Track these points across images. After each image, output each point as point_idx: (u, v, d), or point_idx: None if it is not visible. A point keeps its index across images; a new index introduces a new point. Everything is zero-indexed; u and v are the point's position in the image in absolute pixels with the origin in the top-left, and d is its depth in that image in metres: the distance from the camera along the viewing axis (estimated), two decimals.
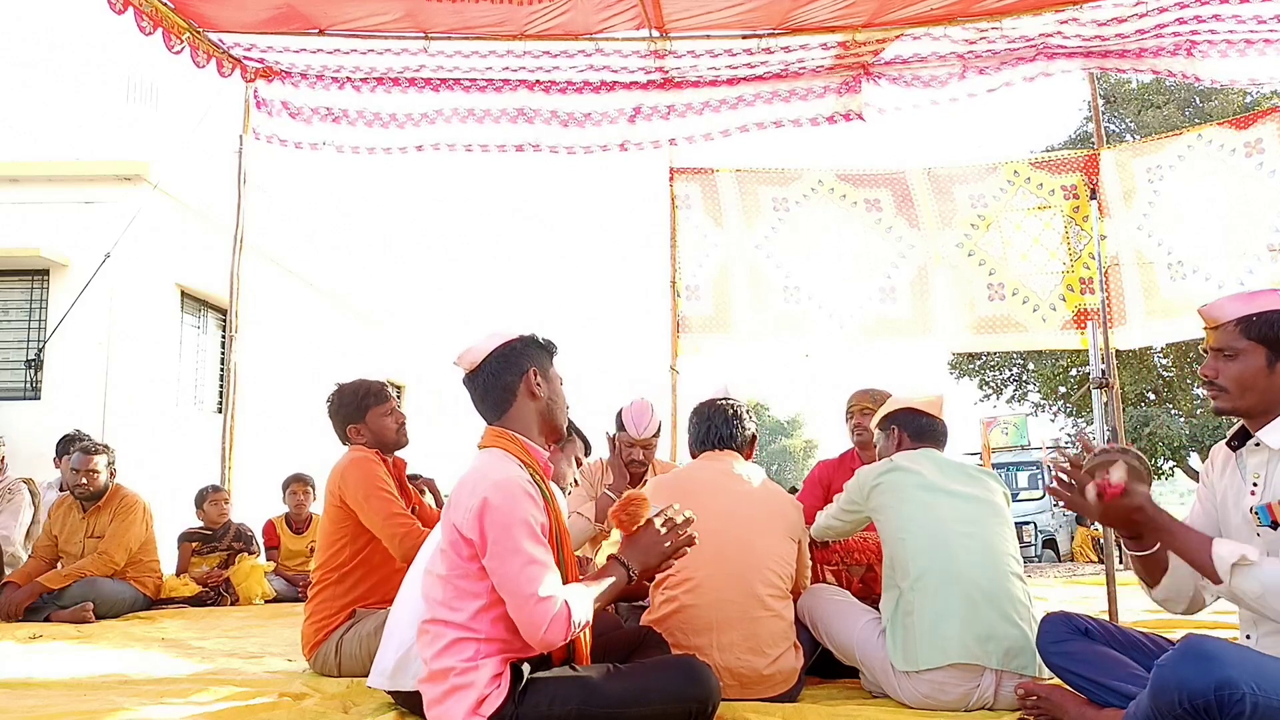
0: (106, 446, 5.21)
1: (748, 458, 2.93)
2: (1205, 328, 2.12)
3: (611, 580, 2.12)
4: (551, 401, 2.26)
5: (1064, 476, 2.04)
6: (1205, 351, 2.12)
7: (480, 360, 2.21)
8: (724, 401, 2.97)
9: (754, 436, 2.98)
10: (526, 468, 2.12)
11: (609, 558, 2.20)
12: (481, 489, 2.01)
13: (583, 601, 2.02)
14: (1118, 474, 1.92)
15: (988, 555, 2.64)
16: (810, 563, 2.85)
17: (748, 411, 2.99)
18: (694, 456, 2.98)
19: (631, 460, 3.73)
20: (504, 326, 2.30)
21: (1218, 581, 1.87)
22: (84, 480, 5.03)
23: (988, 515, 2.75)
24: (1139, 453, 2.23)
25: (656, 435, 3.82)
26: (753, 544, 2.65)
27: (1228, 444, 2.15)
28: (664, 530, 2.18)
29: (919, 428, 2.98)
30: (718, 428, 2.93)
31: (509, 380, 2.21)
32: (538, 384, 2.23)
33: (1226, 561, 1.84)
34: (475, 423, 2.30)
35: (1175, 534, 1.95)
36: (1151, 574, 2.16)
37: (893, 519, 2.76)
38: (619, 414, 3.86)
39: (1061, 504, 2.09)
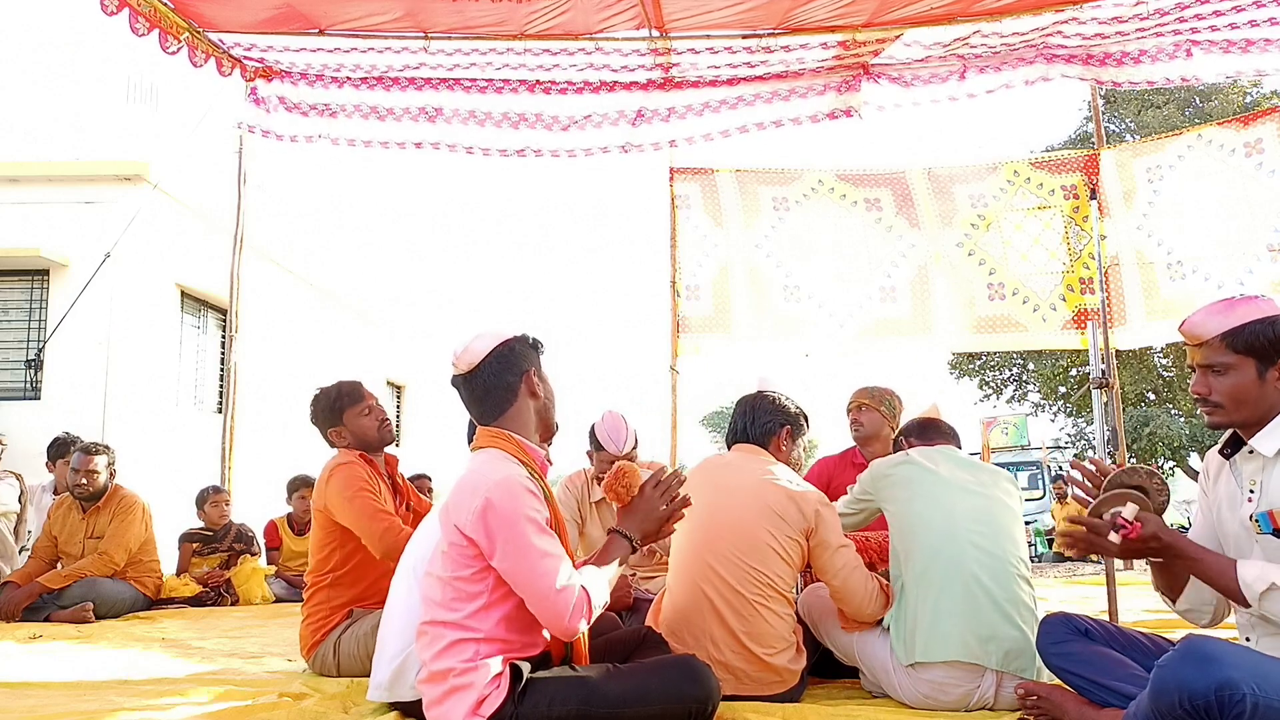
0: (106, 447, 5.20)
1: (776, 450, 2.85)
2: (1188, 344, 2.08)
3: (616, 552, 2.14)
4: (548, 401, 2.28)
5: (1075, 525, 1.98)
6: (1191, 368, 2.09)
7: (479, 361, 2.20)
8: (749, 395, 2.94)
9: (782, 427, 2.86)
10: (524, 466, 2.13)
11: (609, 531, 2.20)
12: (483, 489, 2.01)
13: (598, 583, 2.04)
14: (1129, 511, 1.89)
15: (995, 556, 2.64)
16: (842, 549, 2.69)
17: (774, 402, 2.89)
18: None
19: None
20: (494, 327, 2.29)
21: (1245, 605, 1.86)
22: (84, 480, 5.03)
23: (1000, 515, 2.74)
24: (1151, 470, 2.16)
25: (636, 446, 3.79)
26: (740, 540, 2.62)
27: (1220, 452, 2.14)
28: (659, 495, 2.18)
29: (922, 427, 3.02)
30: (735, 421, 2.93)
31: (510, 380, 2.20)
32: (537, 383, 2.24)
33: (1255, 588, 1.84)
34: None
35: (1196, 559, 1.92)
36: (1172, 587, 2.15)
37: (903, 511, 2.75)
38: (592, 433, 3.82)
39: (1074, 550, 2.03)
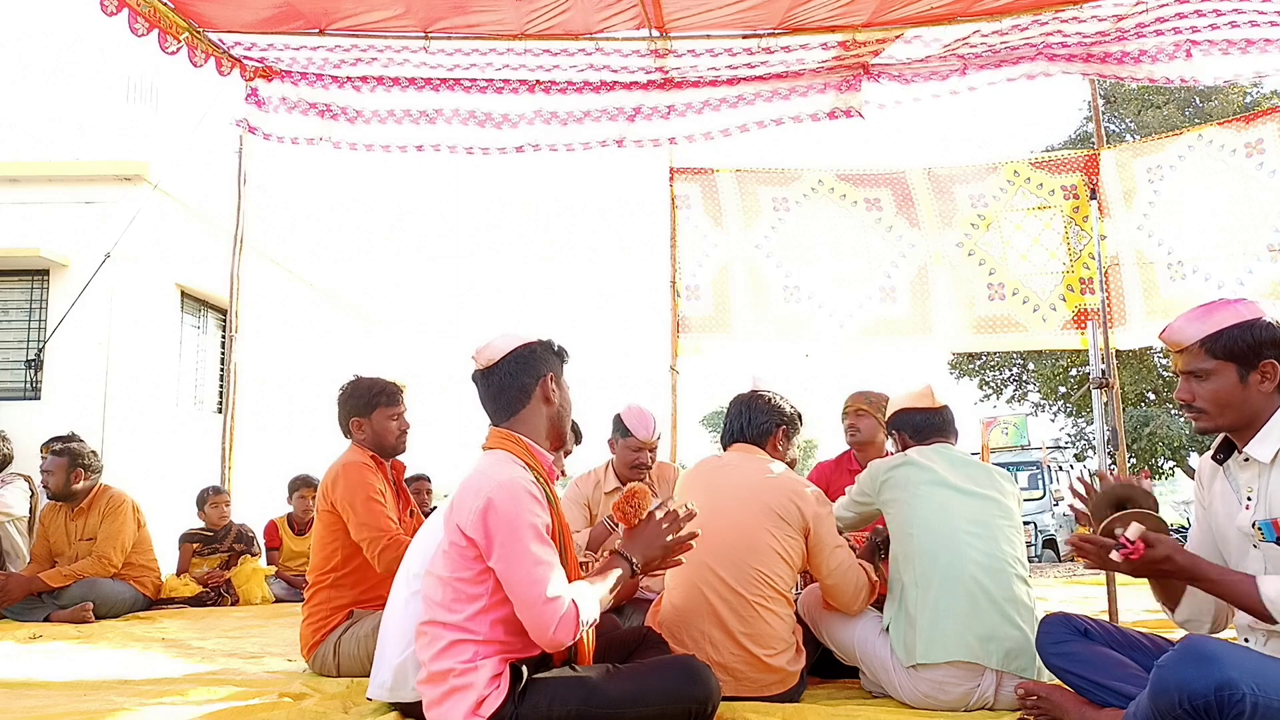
0: (68, 449, 5.03)
1: (772, 450, 2.84)
2: (1170, 351, 2.09)
3: (616, 575, 2.12)
4: (563, 408, 2.27)
5: (1083, 543, 1.99)
6: (1176, 375, 2.09)
7: (498, 358, 2.20)
8: (743, 395, 2.93)
9: (778, 427, 2.85)
10: (530, 470, 2.13)
11: (611, 552, 2.20)
12: (486, 490, 2.01)
13: (590, 600, 2.02)
14: (1133, 531, 1.90)
15: (994, 556, 2.64)
16: (837, 549, 2.68)
17: (768, 402, 2.87)
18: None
19: (637, 464, 3.73)
20: (521, 329, 2.29)
21: (1271, 621, 1.84)
22: (46, 484, 5.02)
23: (997, 516, 2.74)
24: (1145, 490, 2.19)
25: (659, 437, 3.82)
26: (740, 541, 2.62)
27: (1213, 458, 2.13)
28: (665, 524, 2.18)
29: (916, 425, 3.00)
30: (730, 422, 2.93)
31: (525, 382, 2.21)
32: (553, 389, 2.24)
33: (1279, 604, 1.82)
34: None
35: (1213, 579, 1.91)
36: (1170, 597, 2.15)
37: (902, 513, 2.75)
38: (618, 420, 3.83)
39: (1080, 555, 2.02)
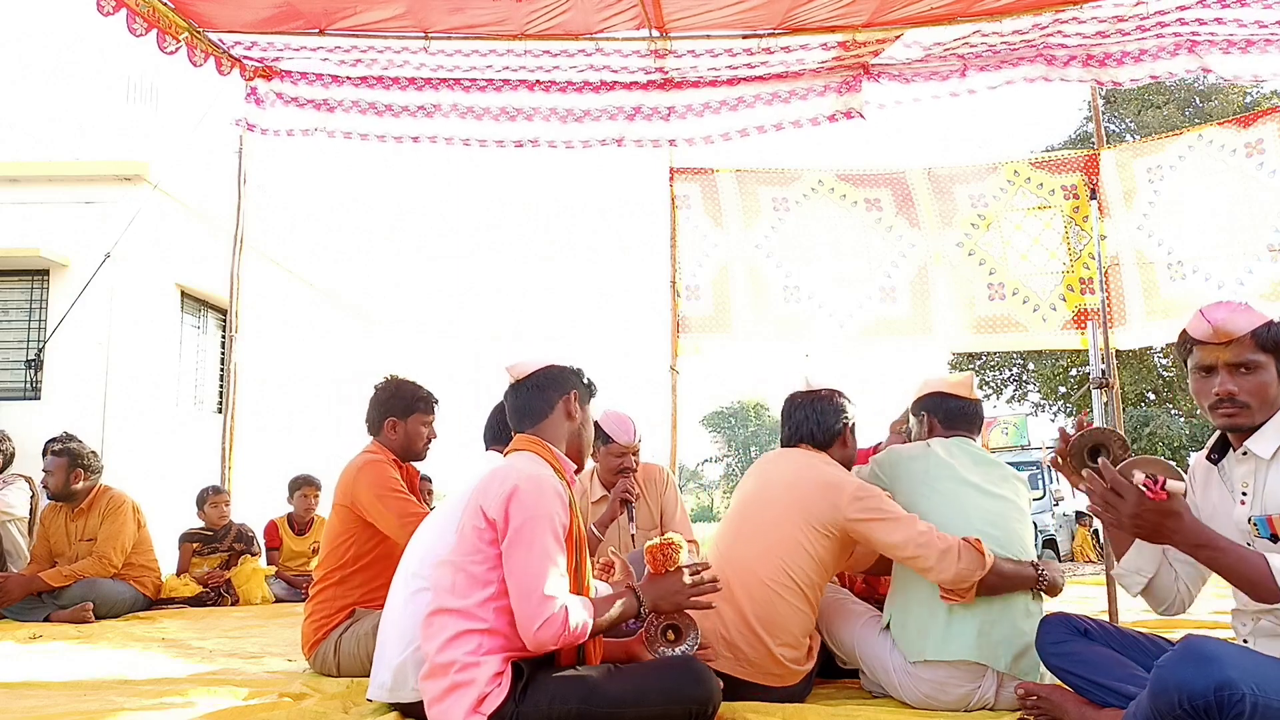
0: (67, 449, 5.04)
1: (838, 450, 2.84)
2: (1210, 343, 2.01)
3: (620, 606, 2.16)
4: (583, 427, 2.39)
5: (1099, 477, 1.83)
6: (1204, 370, 2.03)
7: (528, 373, 2.35)
8: (811, 393, 2.93)
9: (846, 427, 2.86)
10: (555, 473, 2.19)
11: (626, 587, 2.25)
12: (514, 478, 2.08)
13: (582, 613, 2.04)
14: (1175, 487, 1.78)
15: (1009, 558, 2.63)
16: (898, 522, 2.59)
17: (833, 402, 2.87)
18: None
19: (621, 470, 3.68)
20: (556, 353, 2.43)
21: (1274, 600, 1.78)
22: (46, 484, 5.03)
23: (1012, 516, 2.73)
24: (1113, 430, 2.22)
25: (641, 440, 3.80)
26: (771, 528, 2.66)
27: (1208, 457, 2.12)
28: (691, 584, 2.21)
29: (949, 412, 2.93)
30: (800, 424, 2.91)
31: (550, 396, 2.33)
32: (575, 407, 2.35)
33: None
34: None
35: (1221, 549, 1.80)
36: (1121, 547, 2.17)
37: (918, 506, 2.71)
38: (597, 426, 3.80)
39: (1087, 505, 1.92)
